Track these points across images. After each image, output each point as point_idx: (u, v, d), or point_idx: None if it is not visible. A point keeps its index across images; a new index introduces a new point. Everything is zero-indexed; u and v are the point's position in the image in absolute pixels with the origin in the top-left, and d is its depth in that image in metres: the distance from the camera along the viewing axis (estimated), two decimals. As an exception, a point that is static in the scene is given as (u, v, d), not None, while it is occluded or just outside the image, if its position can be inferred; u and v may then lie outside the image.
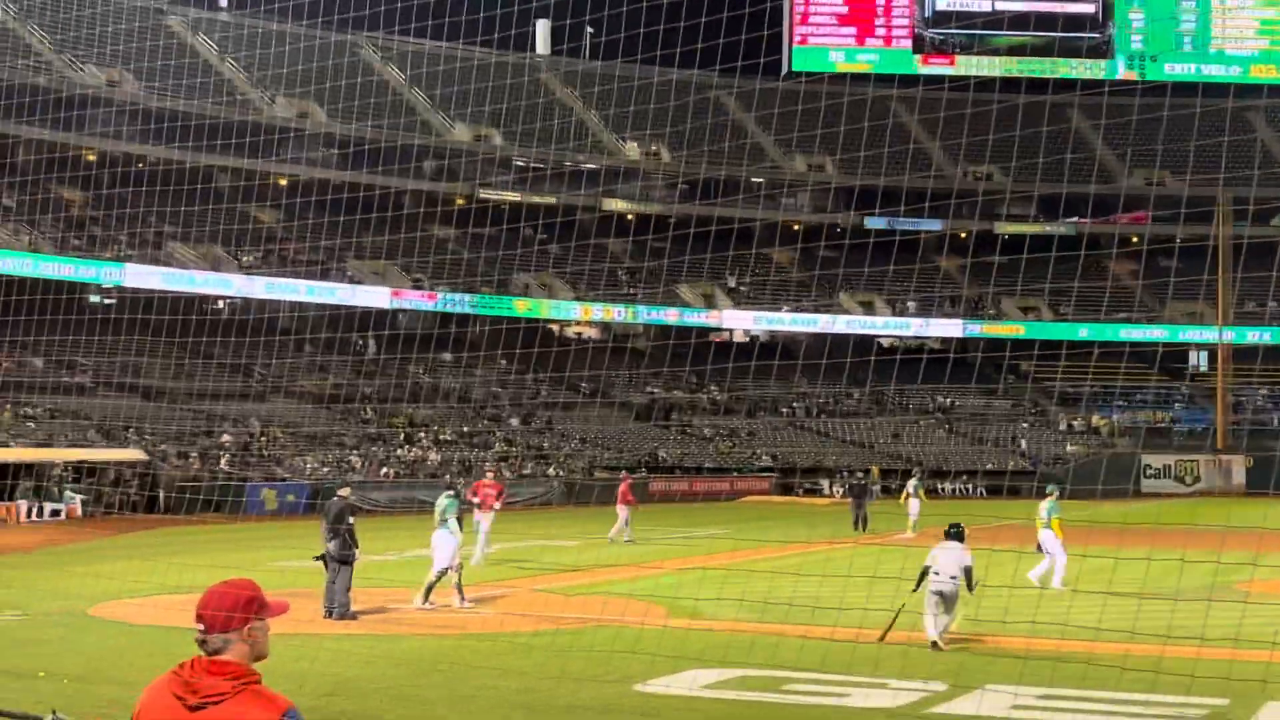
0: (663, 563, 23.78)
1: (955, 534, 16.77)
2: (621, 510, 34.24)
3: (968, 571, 16.12)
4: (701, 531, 32.26)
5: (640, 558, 21.77)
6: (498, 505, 26.65)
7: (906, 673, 14.46)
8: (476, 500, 26.45)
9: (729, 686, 14.06)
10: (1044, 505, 25.13)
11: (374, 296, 69.98)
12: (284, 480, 53.18)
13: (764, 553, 21.72)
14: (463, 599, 21.09)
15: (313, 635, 16.53)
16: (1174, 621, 15.26)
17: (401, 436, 63.34)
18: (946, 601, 16.05)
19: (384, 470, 57.60)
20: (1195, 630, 14.96)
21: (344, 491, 21.57)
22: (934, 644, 15.76)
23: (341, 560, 19.68)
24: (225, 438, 56.60)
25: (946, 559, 16.30)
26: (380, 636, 17.82)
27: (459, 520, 21.66)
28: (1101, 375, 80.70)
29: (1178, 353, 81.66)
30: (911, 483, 40.89)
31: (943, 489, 66.82)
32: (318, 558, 19.89)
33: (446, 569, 21.02)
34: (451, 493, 22.22)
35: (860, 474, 45.75)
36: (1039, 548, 24.71)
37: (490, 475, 29.74)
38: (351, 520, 20.30)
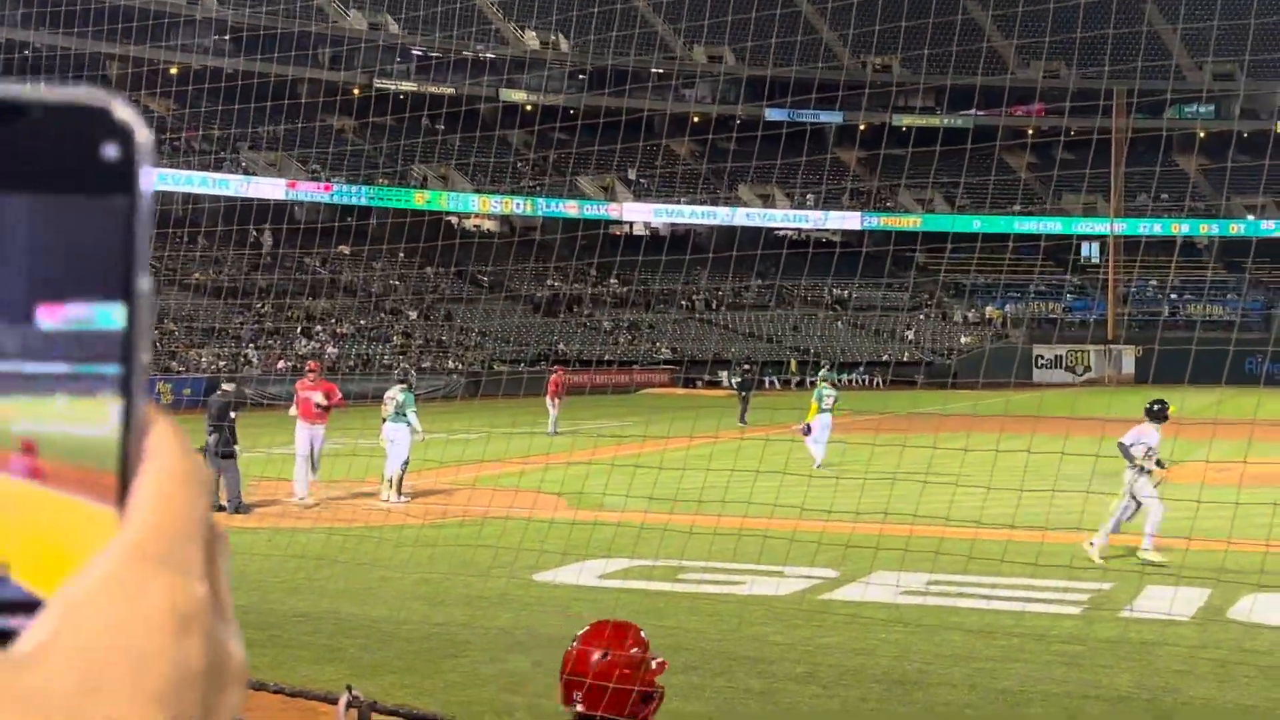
0: (570, 455, 24.08)
1: (1158, 413, 16.34)
2: (553, 404, 35.56)
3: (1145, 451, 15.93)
4: (606, 424, 32.63)
5: (548, 449, 22.09)
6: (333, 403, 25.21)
7: (793, 560, 14.90)
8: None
9: (629, 576, 14.42)
10: (825, 391, 27.11)
11: (269, 188, 68.98)
12: (179, 374, 52.73)
13: (671, 444, 22.08)
14: (400, 494, 21.58)
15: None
16: (1053, 509, 15.84)
17: (299, 330, 62.91)
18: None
19: (281, 364, 57.29)
20: (1074, 519, 15.54)
21: (227, 386, 21.80)
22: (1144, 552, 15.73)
23: (224, 455, 19.88)
24: (118, 332, 55.86)
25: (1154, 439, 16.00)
26: (279, 530, 17.96)
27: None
28: (994, 267, 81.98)
29: (1070, 245, 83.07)
30: (821, 374, 41.63)
31: (847, 380, 67.80)
32: (200, 449, 20.00)
33: (406, 460, 21.46)
34: (405, 385, 22.41)
35: (747, 366, 46.69)
36: (806, 430, 26.24)
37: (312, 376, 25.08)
38: (233, 415, 20.51)
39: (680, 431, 22.67)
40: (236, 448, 20.24)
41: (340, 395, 22.31)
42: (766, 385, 69.69)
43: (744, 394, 41.84)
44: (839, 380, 28.94)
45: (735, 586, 14.17)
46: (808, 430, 26.92)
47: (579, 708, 3.65)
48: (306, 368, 24.01)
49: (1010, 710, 10.15)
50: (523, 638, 12.18)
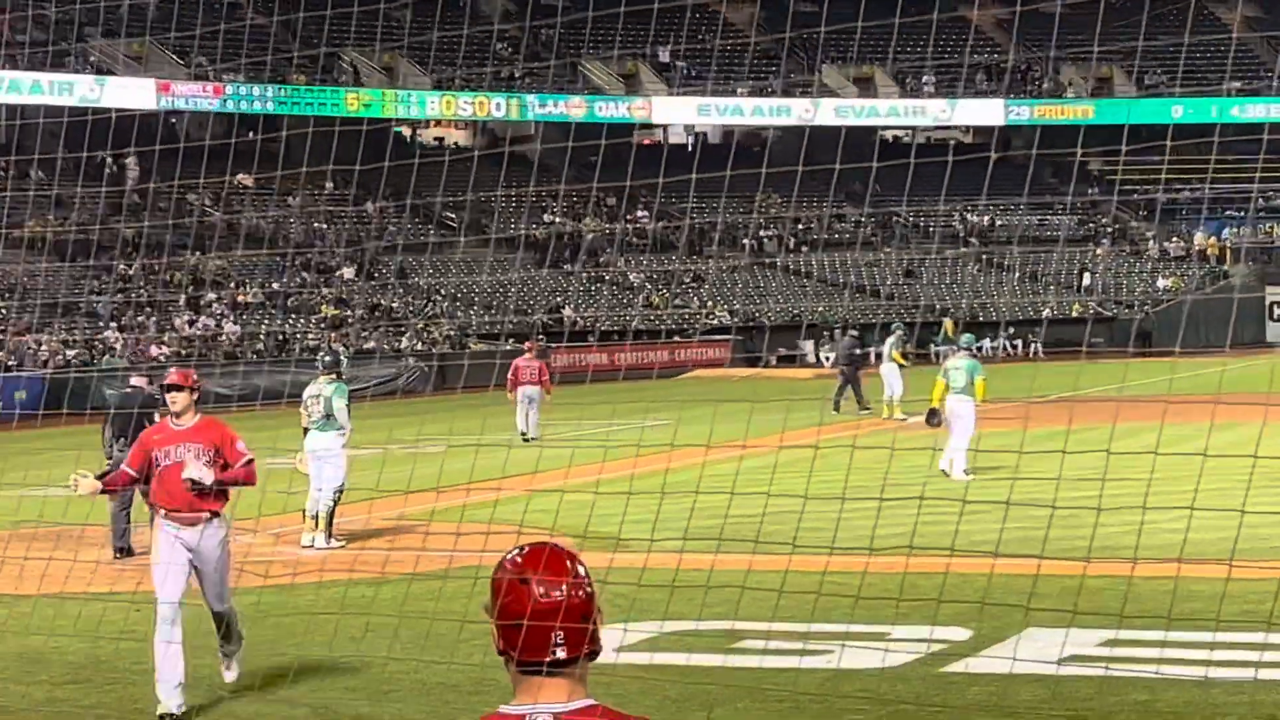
0: (567, 472, 24.04)
1: None
2: (526, 399, 37.54)
3: None
4: (626, 424, 32.59)
5: (535, 465, 22.05)
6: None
7: (905, 616, 14.87)
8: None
9: (658, 646, 14.43)
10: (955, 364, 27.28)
11: (132, 93, 69.19)
12: (9, 371, 53.05)
13: (718, 452, 22.09)
14: (330, 537, 21.79)
15: (79, 596, 16.72)
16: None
17: (183, 300, 63.18)
18: None
19: (155, 351, 57.55)
20: None
21: (138, 381, 22.37)
22: None
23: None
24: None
25: None
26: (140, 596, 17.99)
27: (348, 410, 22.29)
28: (1204, 174, 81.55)
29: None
30: (890, 341, 42.65)
31: (984, 348, 67.65)
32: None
33: (342, 486, 21.76)
34: (333, 375, 22.71)
35: (853, 332, 47.00)
36: (930, 419, 26.94)
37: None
38: (149, 424, 20.82)
39: (730, 434, 22.60)
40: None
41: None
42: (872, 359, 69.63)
43: (852, 370, 43.36)
44: (973, 348, 29.19)
45: (817, 657, 14.16)
46: (934, 419, 26.96)
47: (560, 654, 4.40)
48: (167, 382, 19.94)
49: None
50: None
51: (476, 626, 14.44)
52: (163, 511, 13.43)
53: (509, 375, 38.42)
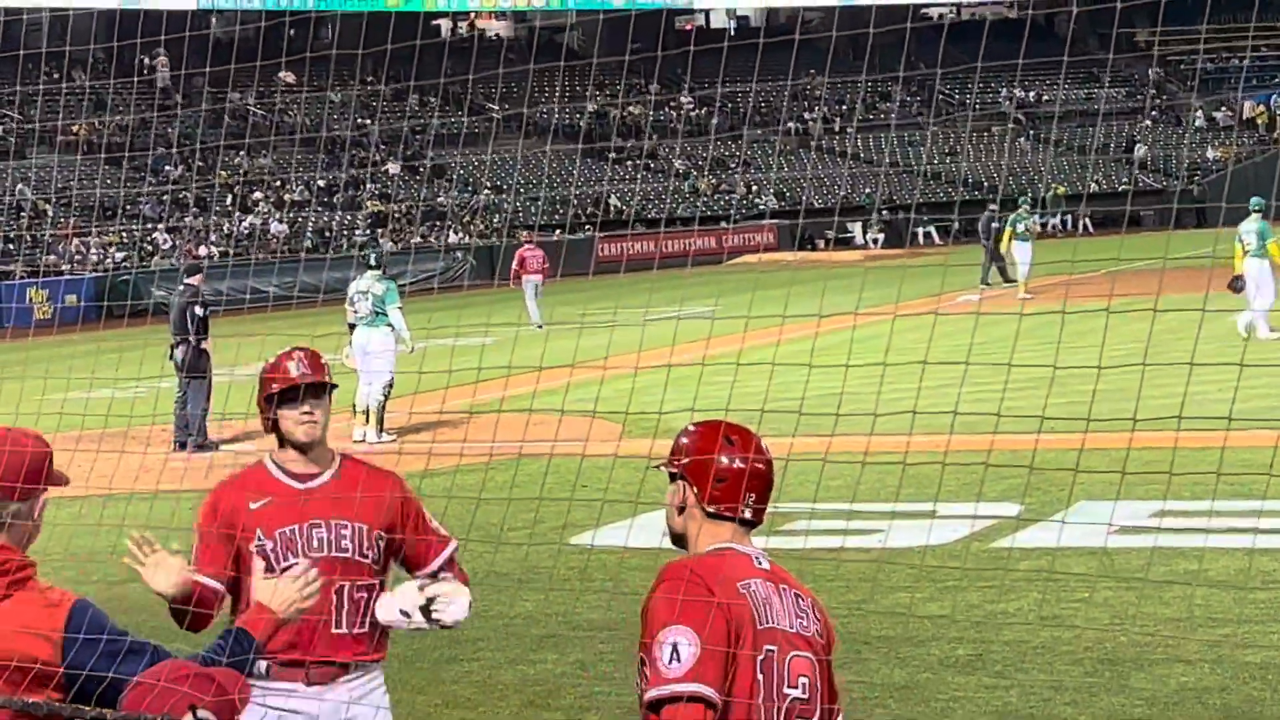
0: (609, 361, 24.04)
1: None
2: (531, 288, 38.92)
3: None
4: (674, 311, 32.55)
5: (581, 355, 22.02)
6: None
7: (950, 493, 14.83)
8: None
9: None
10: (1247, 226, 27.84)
11: (170, -6, 68.94)
12: (59, 274, 53.16)
13: (773, 334, 21.98)
14: (381, 431, 22.03)
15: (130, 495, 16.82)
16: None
17: (229, 199, 63.21)
18: None
19: (203, 250, 57.63)
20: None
21: (193, 279, 22.82)
22: None
23: (191, 373, 21.12)
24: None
25: None
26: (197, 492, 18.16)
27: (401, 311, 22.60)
28: (1260, 39, 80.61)
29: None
30: (1012, 217, 43.63)
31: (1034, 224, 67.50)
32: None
33: (392, 382, 21.99)
34: (378, 270, 23.02)
35: (993, 207, 47.79)
36: (1234, 285, 26.86)
37: None
38: (202, 315, 21.94)
39: (773, 312, 22.47)
40: (211, 365, 21.58)
41: None
42: (922, 239, 69.43)
43: (993, 244, 44.81)
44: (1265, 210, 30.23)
45: (864, 536, 14.19)
46: (1238, 283, 27.47)
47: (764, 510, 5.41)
48: None
49: (1272, 693, 10.13)
50: (556, 628, 12.27)
51: (524, 514, 14.55)
52: (263, 665, 6.63)
53: (514, 265, 39.72)
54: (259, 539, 6.82)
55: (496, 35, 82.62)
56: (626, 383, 19.97)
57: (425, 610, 6.62)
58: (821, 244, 66.66)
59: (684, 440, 5.39)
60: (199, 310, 22.03)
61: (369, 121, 71.23)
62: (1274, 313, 27.34)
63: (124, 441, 19.92)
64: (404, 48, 65.08)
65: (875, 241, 69.04)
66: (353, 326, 22.48)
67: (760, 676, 4.95)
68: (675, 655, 4.81)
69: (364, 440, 21.65)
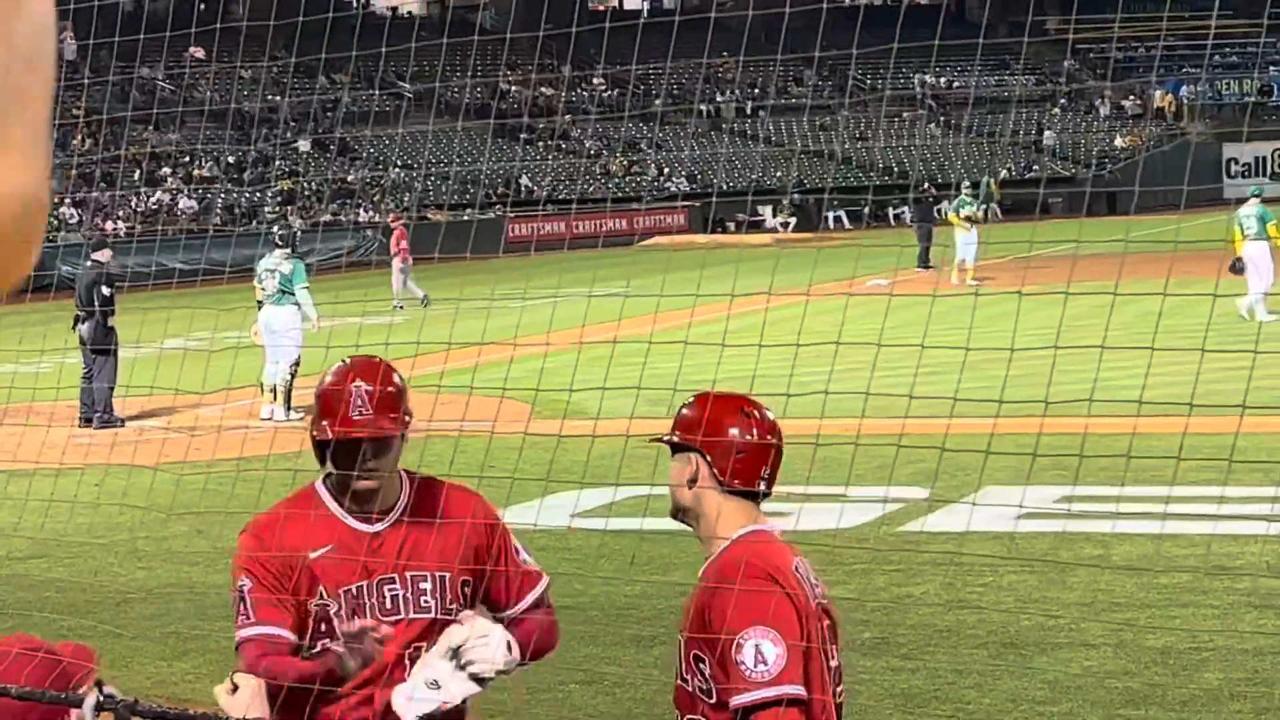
0: (519, 341, 23.98)
1: None
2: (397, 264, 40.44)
3: None
4: (583, 290, 32.53)
5: (490, 334, 21.99)
6: None
7: (861, 476, 14.87)
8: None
9: (615, 512, 14.41)
10: (1246, 211, 29.02)
11: (79, -34, 68.42)
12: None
13: (685, 315, 21.99)
14: (289, 409, 22.15)
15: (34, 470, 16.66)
16: (1255, 385, 15.79)
17: (137, 175, 62.69)
18: None
19: (110, 225, 57.23)
20: None
21: (100, 255, 23.13)
22: None
23: (96, 349, 21.39)
24: None
25: None
26: (133, 468, 17.94)
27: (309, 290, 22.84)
28: (1157, 30, 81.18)
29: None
30: (954, 203, 43.96)
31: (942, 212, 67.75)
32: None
33: (298, 360, 22.14)
34: (288, 249, 23.21)
35: (927, 186, 48.13)
36: (1235, 267, 27.30)
37: None
38: (108, 292, 22.03)
39: (688, 294, 22.52)
40: (118, 341, 21.85)
41: None
42: (832, 223, 69.62)
43: (923, 226, 45.36)
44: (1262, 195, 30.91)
45: (776, 519, 14.19)
46: (1238, 265, 27.99)
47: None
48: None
49: (1173, 677, 10.21)
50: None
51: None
52: None
53: (399, 246, 41.42)
54: (321, 597, 5.52)
55: (409, 13, 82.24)
56: (536, 363, 20.01)
57: (457, 661, 5.22)
58: (732, 226, 66.74)
59: (691, 413, 5.33)
60: (105, 290, 22.05)
61: (279, 98, 70.84)
62: (1272, 296, 28.26)
63: (27, 416, 19.87)
64: (315, 22, 64.71)
65: (786, 225, 69.15)
66: (261, 304, 22.56)
67: (823, 658, 5.06)
68: (761, 657, 4.82)
69: (271, 418, 21.66)
